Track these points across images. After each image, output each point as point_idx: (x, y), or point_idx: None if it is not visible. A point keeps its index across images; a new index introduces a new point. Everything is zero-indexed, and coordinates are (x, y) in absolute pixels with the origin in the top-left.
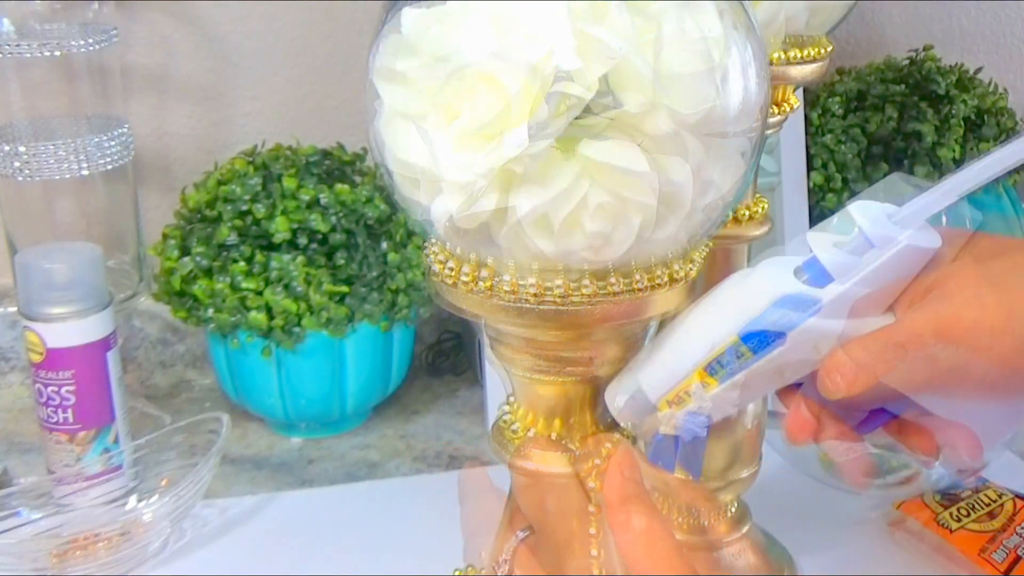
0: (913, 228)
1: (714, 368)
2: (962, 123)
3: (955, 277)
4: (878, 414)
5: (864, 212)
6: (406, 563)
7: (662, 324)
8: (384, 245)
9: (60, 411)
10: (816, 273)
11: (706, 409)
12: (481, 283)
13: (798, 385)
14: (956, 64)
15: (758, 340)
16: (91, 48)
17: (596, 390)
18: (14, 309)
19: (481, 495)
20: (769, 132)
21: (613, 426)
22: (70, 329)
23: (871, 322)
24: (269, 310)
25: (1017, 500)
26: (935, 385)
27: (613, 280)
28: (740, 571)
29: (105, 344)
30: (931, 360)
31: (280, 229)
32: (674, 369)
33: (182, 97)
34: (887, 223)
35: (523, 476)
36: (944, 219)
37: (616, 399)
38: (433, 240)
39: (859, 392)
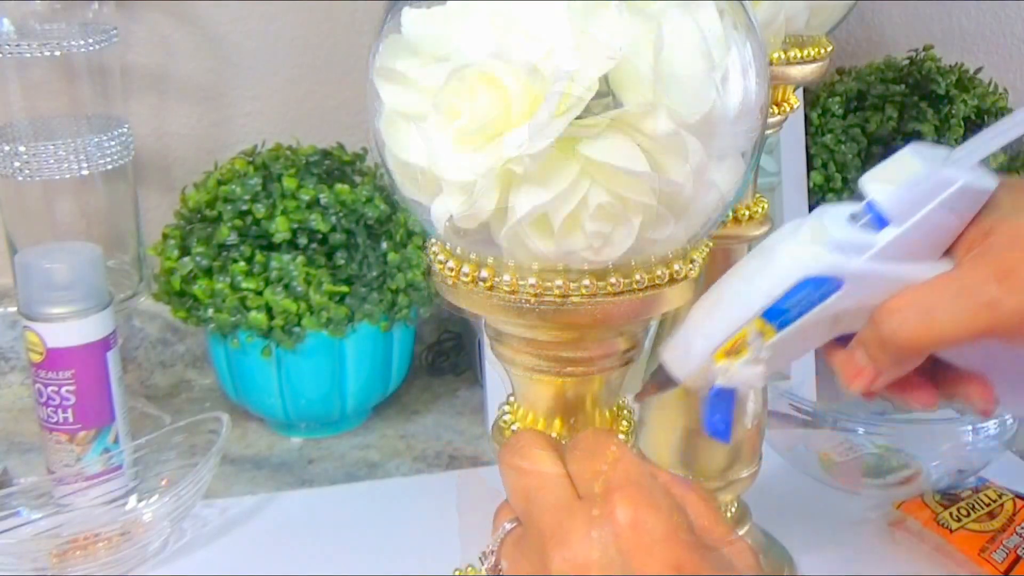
0: (968, 169)
1: (772, 315)
2: (962, 123)
3: (1013, 220)
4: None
5: (918, 155)
6: (406, 563)
7: (663, 323)
8: (384, 245)
9: (60, 411)
10: (872, 218)
11: (763, 359)
12: (481, 283)
13: (841, 341)
14: (956, 64)
15: (814, 285)
16: (91, 48)
17: (596, 390)
18: (14, 309)
19: (478, 498)
20: (769, 132)
21: (611, 424)
22: (70, 329)
23: (929, 268)
24: (269, 310)
25: (1017, 500)
26: (995, 332)
27: (613, 280)
28: (740, 571)
29: (105, 344)
30: (992, 306)
31: (280, 229)
32: (731, 317)
33: (182, 97)
34: (942, 164)
35: (510, 468)
36: None
37: (671, 352)
38: (433, 240)
39: (921, 339)
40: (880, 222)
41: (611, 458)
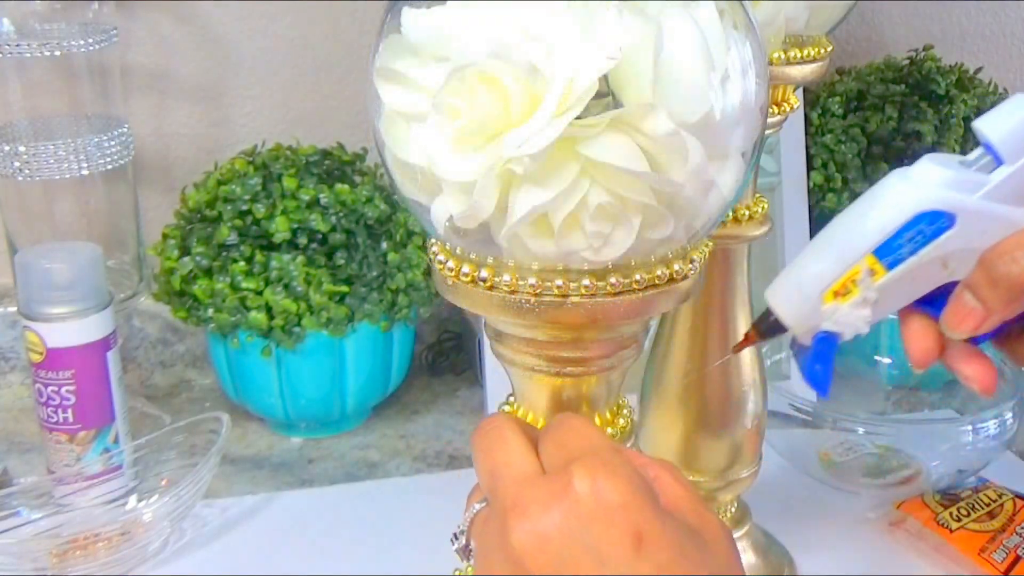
0: None
1: (884, 251)
2: (962, 123)
3: None
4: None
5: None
6: (406, 563)
7: (663, 322)
8: (384, 245)
9: (60, 411)
10: (985, 159)
11: (871, 301)
12: (481, 283)
13: (922, 305)
14: (956, 64)
15: (928, 221)
16: (91, 48)
17: (596, 389)
18: (14, 309)
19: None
20: (769, 132)
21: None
22: (70, 329)
23: None
24: (269, 310)
25: (1017, 500)
26: None
27: (613, 280)
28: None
29: (105, 344)
30: None
31: (280, 229)
32: (843, 254)
33: (182, 97)
34: None
35: (479, 450)
36: None
37: (778, 295)
38: (433, 240)
39: None
40: (993, 163)
41: (574, 432)
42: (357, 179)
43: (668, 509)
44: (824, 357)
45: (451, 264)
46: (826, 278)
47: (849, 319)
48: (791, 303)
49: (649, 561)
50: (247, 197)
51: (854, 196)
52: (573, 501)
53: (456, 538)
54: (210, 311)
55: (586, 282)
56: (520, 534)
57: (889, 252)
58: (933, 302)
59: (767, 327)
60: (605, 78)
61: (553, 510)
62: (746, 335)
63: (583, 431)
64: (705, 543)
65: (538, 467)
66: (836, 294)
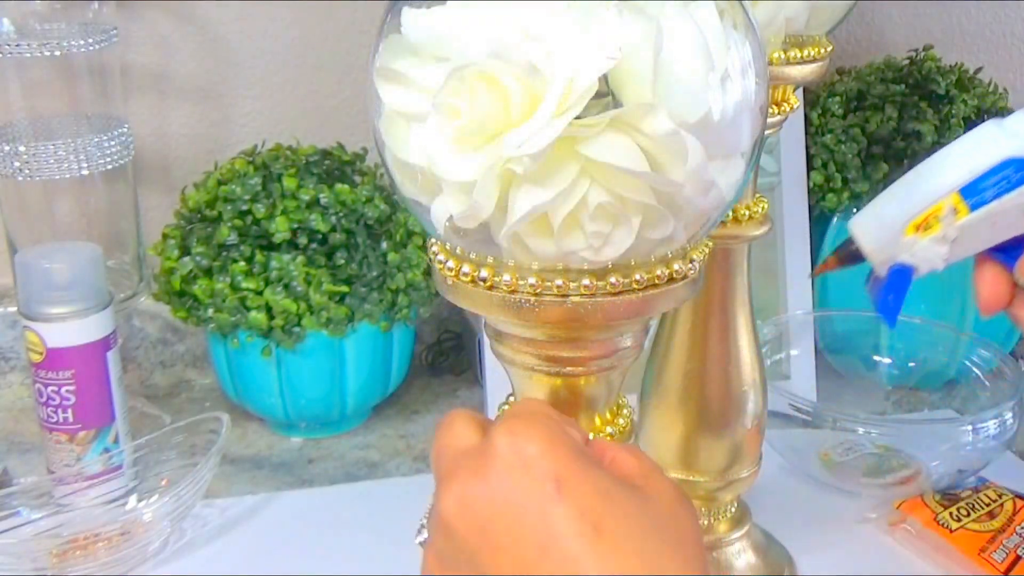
0: None
1: (969, 192)
2: (962, 123)
3: None
4: None
5: None
6: (406, 563)
7: (662, 322)
8: (384, 245)
9: (60, 411)
10: None
11: (950, 239)
12: (481, 283)
13: (997, 253)
14: (956, 64)
15: (1016, 167)
16: (91, 48)
17: (596, 389)
18: (14, 309)
19: None
20: (769, 132)
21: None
22: (70, 329)
23: None
24: (269, 310)
25: (1017, 500)
26: None
27: (613, 279)
28: (740, 571)
29: (105, 344)
30: None
31: (280, 229)
32: (929, 189)
33: (182, 97)
34: None
35: (435, 441)
36: None
37: (862, 223)
38: (433, 240)
39: None
40: None
41: (518, 408)
42: (357, 179)
43: (617, 476)
44: (897, 288)
45: (451, 264)
46: (910, 210)
47: (927, 254)
48: (872, 231)
49: (570, 503)
50: (247, 197)
51: (854, 196)
52: (493, 458)
53: (419, 532)
54: (210, 311)
55: (586, 282)
56: (448, 500)
57: (974, 193)
58: (1008, 251)
59: (846, 254)
60: (605, 78)
61: (477, 472)
62: (825, 260)
63: (525, 404)
64: (646, 496)
65: (474, 435)
66: (918, 228)
